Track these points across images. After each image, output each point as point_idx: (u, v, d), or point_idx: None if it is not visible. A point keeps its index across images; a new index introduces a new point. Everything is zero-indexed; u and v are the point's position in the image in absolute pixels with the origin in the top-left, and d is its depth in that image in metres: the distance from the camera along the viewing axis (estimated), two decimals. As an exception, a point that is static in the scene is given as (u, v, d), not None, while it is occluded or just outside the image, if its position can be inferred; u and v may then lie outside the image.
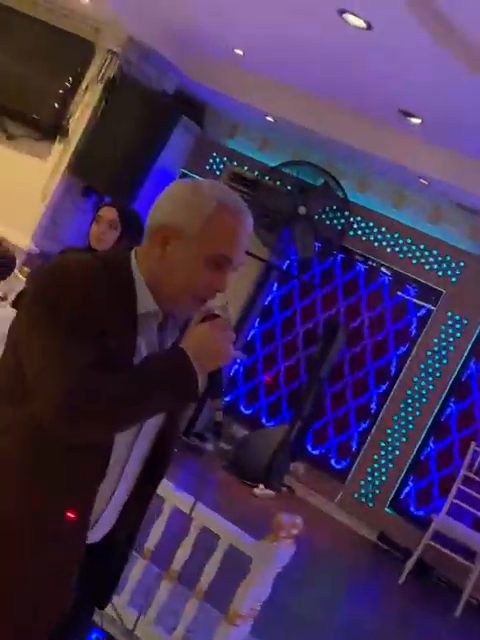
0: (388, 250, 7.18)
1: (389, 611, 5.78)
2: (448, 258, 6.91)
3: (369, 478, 6.97)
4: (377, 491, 6.93)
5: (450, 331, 6.82)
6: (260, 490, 6.50)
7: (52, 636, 1.71)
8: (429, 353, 6.87)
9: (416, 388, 6.88)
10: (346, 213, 7.23)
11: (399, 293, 7.26)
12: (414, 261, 7.06)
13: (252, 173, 7.49)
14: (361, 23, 4.45)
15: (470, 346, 6.76)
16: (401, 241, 7.12)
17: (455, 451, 6.81)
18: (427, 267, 7.00)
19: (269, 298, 7.71)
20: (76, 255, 1.83)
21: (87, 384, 1.51)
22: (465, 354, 6.77)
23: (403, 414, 6.90)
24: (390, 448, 6.92)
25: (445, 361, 6.80)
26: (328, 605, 5.25)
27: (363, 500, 6.96)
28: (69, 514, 1.63)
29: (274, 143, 7.57)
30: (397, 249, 7.14)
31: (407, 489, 6.94)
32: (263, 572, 3.13)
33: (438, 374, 6.82)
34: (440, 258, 6.95)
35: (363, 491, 6.98)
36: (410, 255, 7.08)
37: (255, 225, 1.79)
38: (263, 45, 5.84)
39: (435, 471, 6.90)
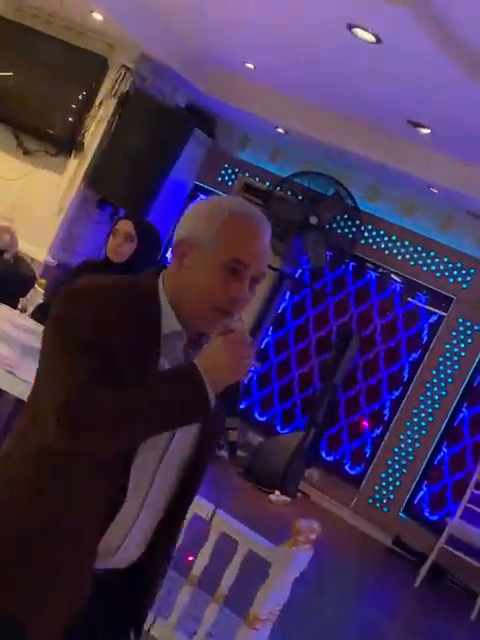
0: (399, 258, 7.23)
1: (404, 615, 5.83)
2: (459, 265, 6.94)
3: (383, 483, 6.99)
4: (391, 496, 6.96)
5: (461, 337, 6.85)
6: (276, 496, 6.54)
7: None
8: (441, 359, 6.90)
9: (428, 394, 6.90)
10: (357, 222, 7.28)
11: (410, 300, 7.30)
12: (425, 268, 7.10)
13: (264, 184, 7.56)
14: (370, 37, 4.49)
15: None
16: (412, 249, 7.16)
17: (468, 455, 6.82)
18: (438, 274, 7.04)
19: (282, 306, 7.76)
20: (99, 278, 1.81)
21: (87, 398, 1.50)
22: (477, 360, 6.79)
23: (416, 420, 6.92)
24: (403, 453, 6.94)
25: (457, 367, 6.83)
26: (345, 609, 5.30)
27: (378, 505, 6.98)
28: (80, 537, 1.61)
29: (285, 154, 7.63)
30: (408, 257, 7.19)
31: (421, 494, 6.96)
32: (282, 576, 3.15)
33: (450, 380, 6.84)
34: (451, 265, 6.98)
35: (377, 496, 7.00)
36: (421, 262, 7.13)
37: (267, 235, 1.77)
38: (273, 59, 5.89)
39: (448, 476, 6.90)
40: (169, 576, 3.52)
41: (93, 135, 6.68)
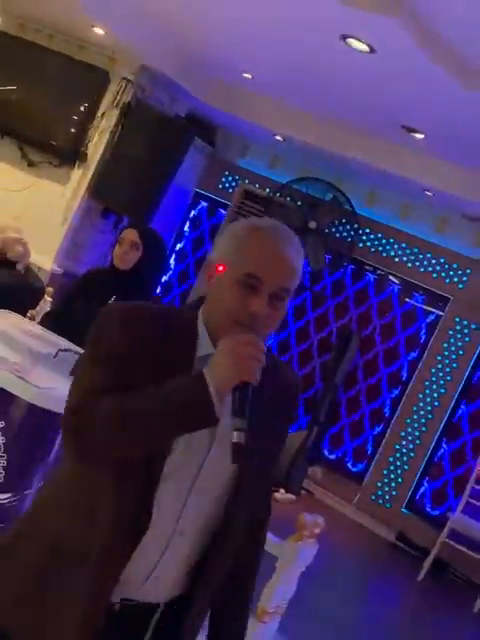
0: (396, 260, 7.29)
1: (409, 608, 5.85)
2: (455, 266, 7.00)
3: (385, 480, 7.04)
4: (393, 492, 7.00)
5: (458, 336, 6.90)
6: (281, 494, 6.59)
7: None
8: (439, 357, 6.95)
9: (427, 392, 6.95)
10: (355, 226, 7.34)
11: (408, 301, 7.35)
12: (422, 269, 7.16)
13: (263, 190, 7.64)
14: (364, 47, 4.55)
15: (479, 349, 6.82)
16: (408, 251, 7.22)
17: (468, 451, 6.86)
18: (434, 275, 7.10)
19: (283, 309, 7.83)
20: (144, 302, 1.81)
21: (89, 405, 1.51)
22: (474, 357, 6.83)
23: (416, 417, 6.97)
24: (404, 450, 6.99)
25: (455, 365, 6.88)
26: (350, 602, 5.35)
27: (380, 502, 7.03)
28: (101, 560, 1.57)
29: (284, 161, 7.68)
30: (405, 259, 7.25)
31: (422, 489, 7.00)
32: (289, 570, 3.21)
33: (448, 377, 6.89)
34: (447, 266, 7.04)
35: (380, 493, 7.05)
36: (418, 264, 7.18)
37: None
38: (270, 69, 5.95)
39: (449, 471, 6.94)
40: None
41: (96, 146, 6.72)
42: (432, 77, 4.60)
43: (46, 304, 4.85)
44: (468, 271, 6.97)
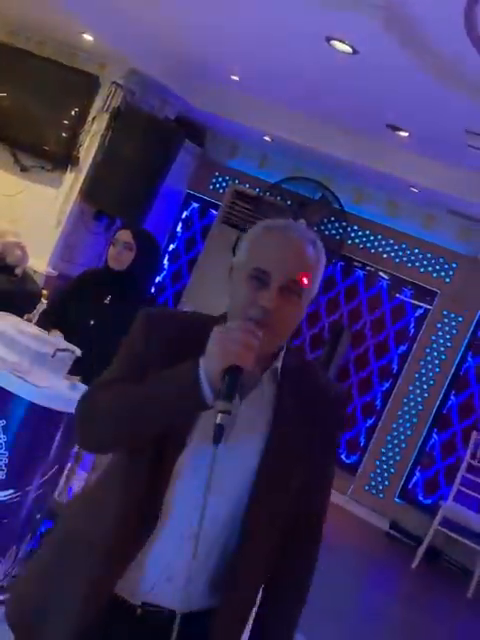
0: (385, 256, 7.37)
1: (404, 595, 5.92)
2: (441, 260, 7.09)
3: (378, 471, 7.11)
4: (386, 482, 7.07)
5: (446, 328, 6.98)
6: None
7: None
8: (428, 350, 7.02)
9: (417, 384, 7.02)
10: (344, 223, 7.40)
11: (397, 296, 7.42)
12: (409, 265, 7.24)
13: (253, 190, 7.69)
14: (347, 49, 4.59)
15: (466, 341, 6.91)
16: (396, 247, 7.30)
17: (458, 441, 6.94)
18: (422, 270, 7.18)
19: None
20: (169, 308, 1.90)
21: (98, 392, 1.59)
22: (462, 349, 6.91)
23: (407, 409, 7.04)
24: (396, 441, 7.06)
25: (443, 357, 6.96)
26: (347, 591, 5.41)
27: (374, 492, 7.09)
28: (106, 555, 1.59)
29: (273, 161, 7.74)
30: (393, 254, 7.33)
31: (415, 479, 7.07)
32: None
33: (437, 369, 6.96)
34: (434, 260, 7.12)
35: (373, 483, 7.11)
36: (405, 259, 7.27)
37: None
38: (258, 71, 6.00)
39: (440, 461, 7.01)
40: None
41: (87, 150, 6.77)
42: (414, 77, 4.65)
43: (42, 307, 4.85)
44: (454, 265, 7.05)
